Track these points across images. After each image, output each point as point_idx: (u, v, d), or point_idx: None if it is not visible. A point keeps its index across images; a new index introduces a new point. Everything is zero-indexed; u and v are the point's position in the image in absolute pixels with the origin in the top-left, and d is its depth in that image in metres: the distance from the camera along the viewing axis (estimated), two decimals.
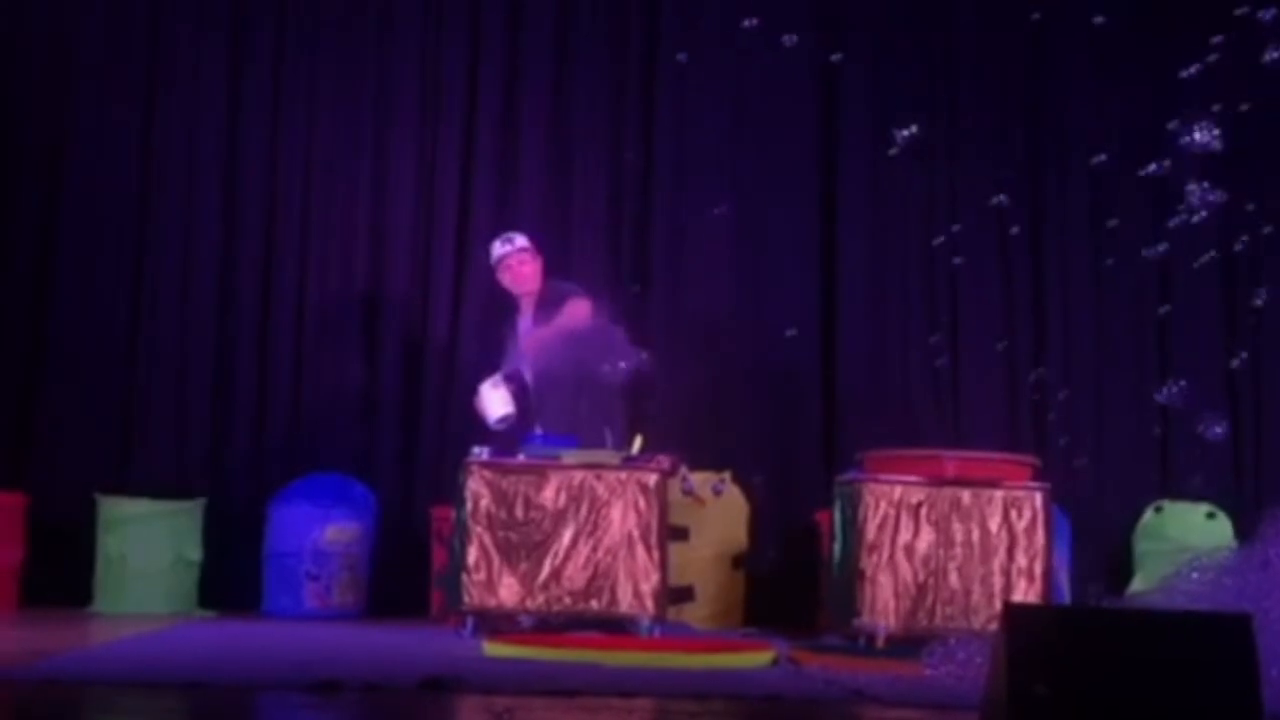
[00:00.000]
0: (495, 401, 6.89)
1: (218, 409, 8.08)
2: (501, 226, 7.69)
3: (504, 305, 7.38)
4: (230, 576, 7.66)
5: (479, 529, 6.27)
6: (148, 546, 7.45)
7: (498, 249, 7.21)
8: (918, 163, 8.34)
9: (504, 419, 6.89)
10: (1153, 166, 6.48)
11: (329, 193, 8.30)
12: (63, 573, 7.49)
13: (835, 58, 8.15)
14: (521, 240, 7.19)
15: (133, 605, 7.33)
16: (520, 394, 7.02)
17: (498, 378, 6.97)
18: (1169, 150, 6.52)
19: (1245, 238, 8.08)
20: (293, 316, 8.19)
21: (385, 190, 8.32)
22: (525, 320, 7.14)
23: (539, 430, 6.72)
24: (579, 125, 8.41)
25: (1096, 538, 8.03)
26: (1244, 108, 7.23)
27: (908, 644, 5.78)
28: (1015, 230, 8.39)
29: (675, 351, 7.85)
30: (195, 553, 7.60)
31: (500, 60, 8.43)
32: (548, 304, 7.01)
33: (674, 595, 6.80)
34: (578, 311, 6.89)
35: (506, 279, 7.19)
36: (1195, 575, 4.53)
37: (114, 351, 8.05)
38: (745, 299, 8.33)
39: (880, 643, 6.11)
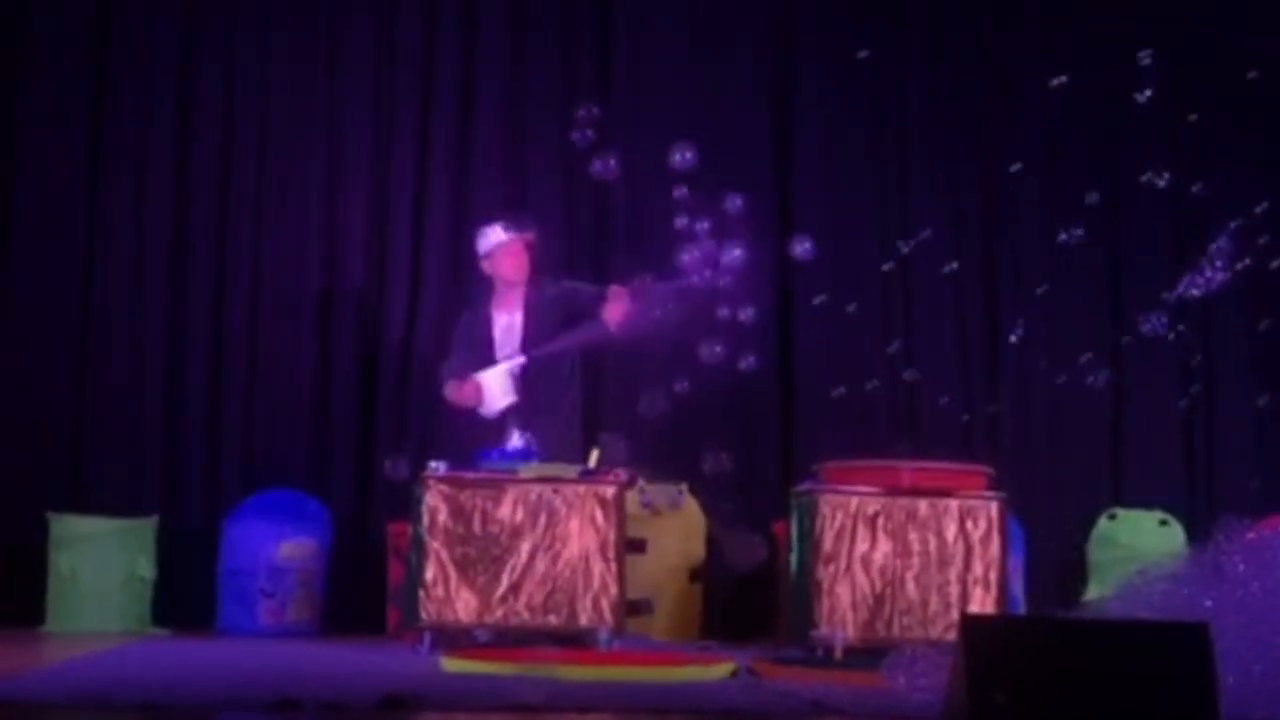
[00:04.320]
0: (506, 391, 6.78)
1: (170, 425, 7.99)
2: (458, 224, 7.77)
3: (467, 297, 7.31)
4: (184, 594, 7.59)
5: (436, 544, 6.24)
6: (100, 564, 7.36)
7: (499, 233, 7.01)
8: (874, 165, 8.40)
9: (505, 409, 6.78)
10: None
11: (282, 199, 8.22)
12: (14, 592, 7.38)
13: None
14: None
15: (85, 624, 7.25)
16: None
17: (516, 364, 6.83)
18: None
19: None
20: (246, 330, 8.11)
21: (339, 191, 8.24)
22: (504, 313, 7.02)
23: (518, 433, 6.64)
24: (534, 117, 8.33)
25: (1051, 546, 8.07)
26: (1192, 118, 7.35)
27: (866, 654, 5.78)
28: (971, 240, 8.46)
29: (633, 363, 7.85)
30: (148, 570, 7.53)
31: (455, 44, 8.36)
32: (545, 299, 6.94)
33: (632, 608, 6.79)
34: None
35: (506, 265, 6.99)
36: (1151, 583, 4.55)
37: (64, 366, 7.94)
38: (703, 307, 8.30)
39: (838, 653, 6.11)
